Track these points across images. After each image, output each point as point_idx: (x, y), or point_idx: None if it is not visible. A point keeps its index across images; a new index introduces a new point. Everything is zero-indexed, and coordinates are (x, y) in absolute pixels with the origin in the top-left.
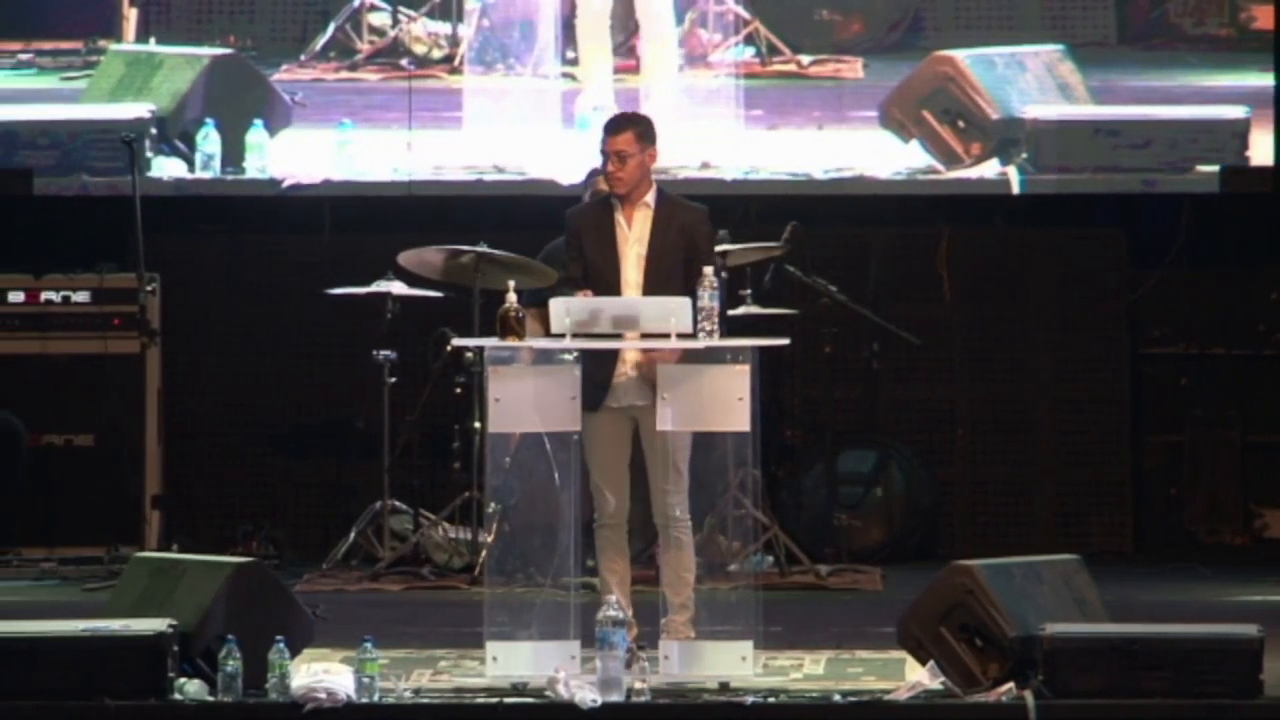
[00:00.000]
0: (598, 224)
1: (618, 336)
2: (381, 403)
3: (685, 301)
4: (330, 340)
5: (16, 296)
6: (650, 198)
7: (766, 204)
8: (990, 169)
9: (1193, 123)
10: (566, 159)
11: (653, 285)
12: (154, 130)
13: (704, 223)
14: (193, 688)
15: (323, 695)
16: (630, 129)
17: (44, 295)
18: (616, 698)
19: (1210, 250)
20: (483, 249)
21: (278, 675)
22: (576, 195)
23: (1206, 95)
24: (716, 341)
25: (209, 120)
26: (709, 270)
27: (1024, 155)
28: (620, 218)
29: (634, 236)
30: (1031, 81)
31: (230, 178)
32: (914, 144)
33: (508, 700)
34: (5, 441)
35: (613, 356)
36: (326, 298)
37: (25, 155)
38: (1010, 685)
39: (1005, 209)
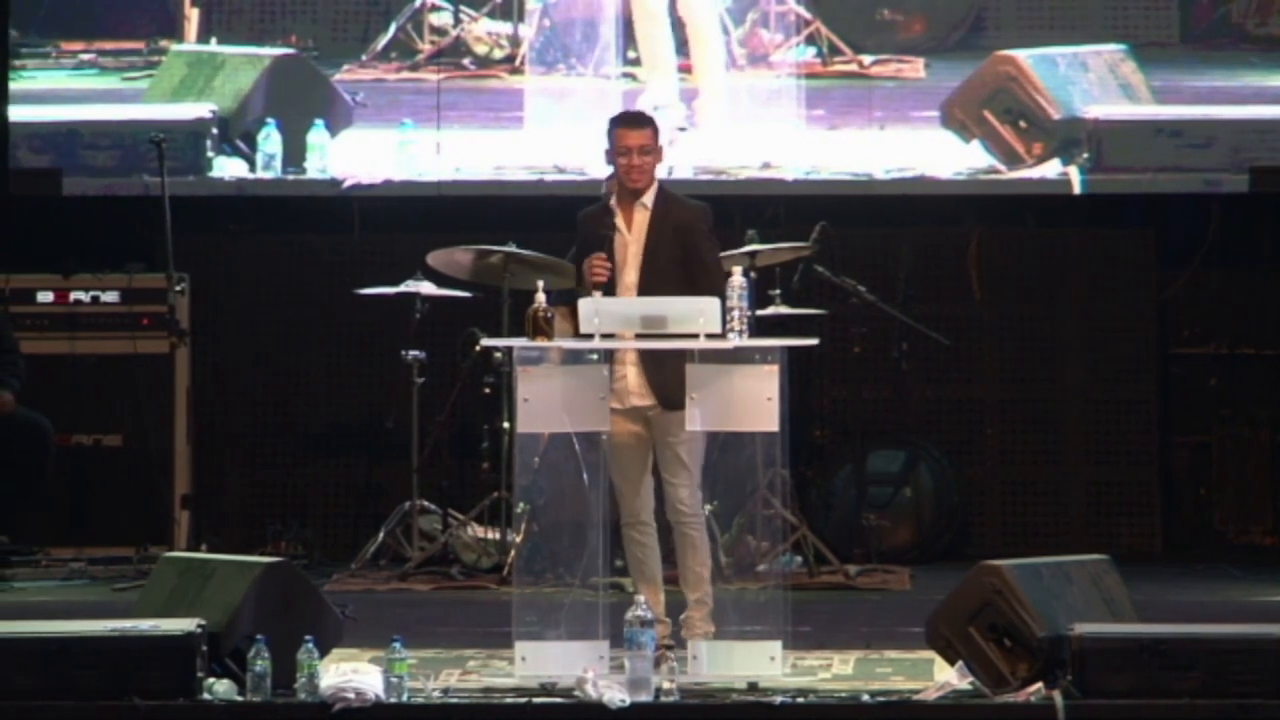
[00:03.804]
0: (602, 225)
1: (646, 337)
2: (410, 403)
3: (714, 301)
4: (359, 340)
5: (45, 297)
6: (649, 198)
7: (796, 203)
8: (1052, 169)
9: (1255, 123)
10: None
11: (648, 285)
12: (215, 130)
13: (701, 220)
14: (222, 687)
15: (351, 695)
16: (650, 126)
17: (73, 295)
18: (645, 698)
19: (1240, 250)
20: (511, 249)
21: (306, 675)
22: None
23: (1269, 95)
24: (745, 342)
25: (270, 120)
26: (737, 270)
27: (1085, 155)
28: (620, 220)
29: (632, 237)
30: (1094, 81)
31: (291, 178)
32: (975, 144)
33: (536, 700)
34: (32, 440)
35: (610, 358)
36: (356, 298)
37: (87, 155)
38: (1039, 685)
39: (1036, 209)
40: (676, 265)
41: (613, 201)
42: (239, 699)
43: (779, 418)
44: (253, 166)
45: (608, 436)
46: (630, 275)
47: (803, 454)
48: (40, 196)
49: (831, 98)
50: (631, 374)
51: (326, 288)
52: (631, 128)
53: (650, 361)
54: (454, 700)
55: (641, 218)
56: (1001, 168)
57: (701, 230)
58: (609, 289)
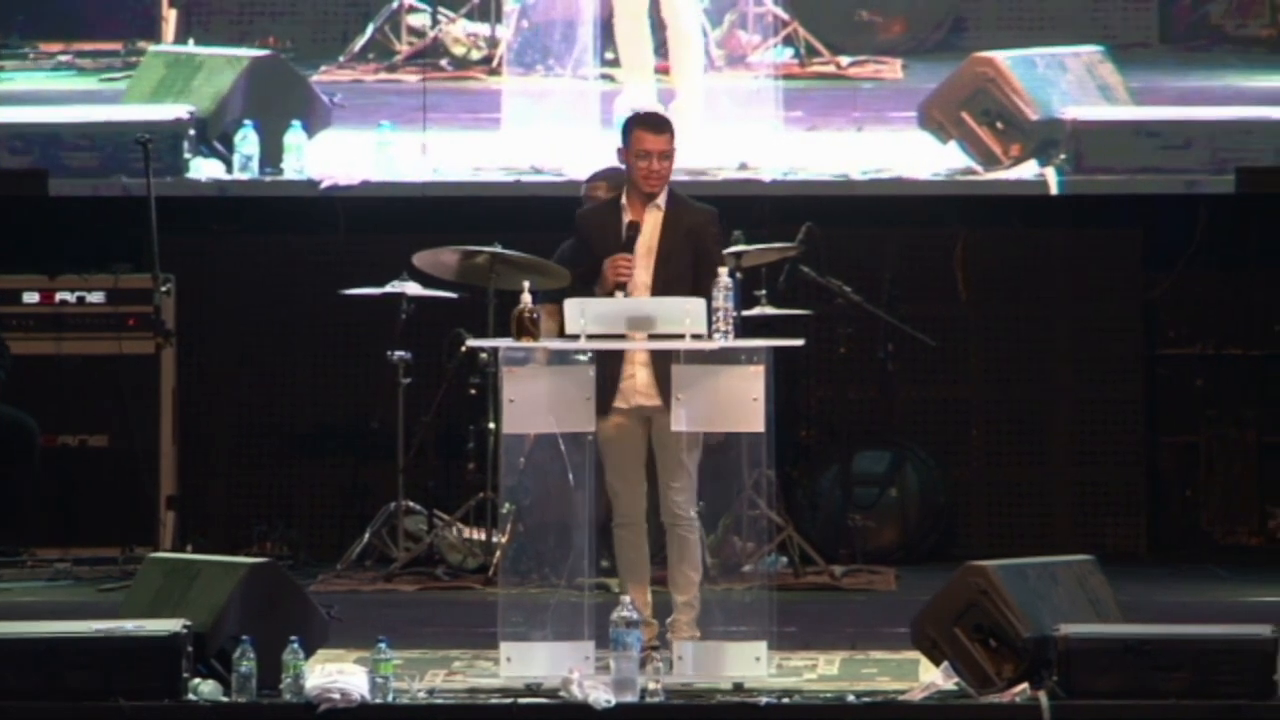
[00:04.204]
0: (608, 225)
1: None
2: (396, 403)
3: (700, 302)
4: (345, 341)
5: (31, 297)
6: (662, 199)
7: (782, 204)
8: (1029, 170)
9: (1234, 124)
10: (605, 160)
11: (662, 286)
12: (193, 131)
13: (712, 224)
14: (207, 688)
15: (337, 696)
16: (670, 130)
17: (59, 296)
18: (630, 698)
19: (1226, 251)
20: (497, 250)
21: (292, 676)
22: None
23: (1248, 96)
24: (731, 342)
25: (248, 121)
26: (723, 271)
27: (1063, 156)
28: (630, 219)
29: (643, 237)
30: (1072, 82)
31: (269, 179)
32: (953, 145)
33: (522, 700)
34: (17, 440)
35: (619, 358)
36: (341, 298)
37: (65, 157)
38: (1024, 686)
39: (1022, 209)
40: (688, 267)
41: (623, 200)
42: (224, 699)
43: (765, 418)
44: (230, 167)
45: (611, 435)
46: (643, 275)
47: (788, 454)
48: (25, 197)
49: (809, 99)
50: (641, 374)
51: (312, 288)
52: (654, 131)
53: (661, 363)
54: (439, 701)
55: (654, 218)
56: (979, 169)
57: (713, 234)
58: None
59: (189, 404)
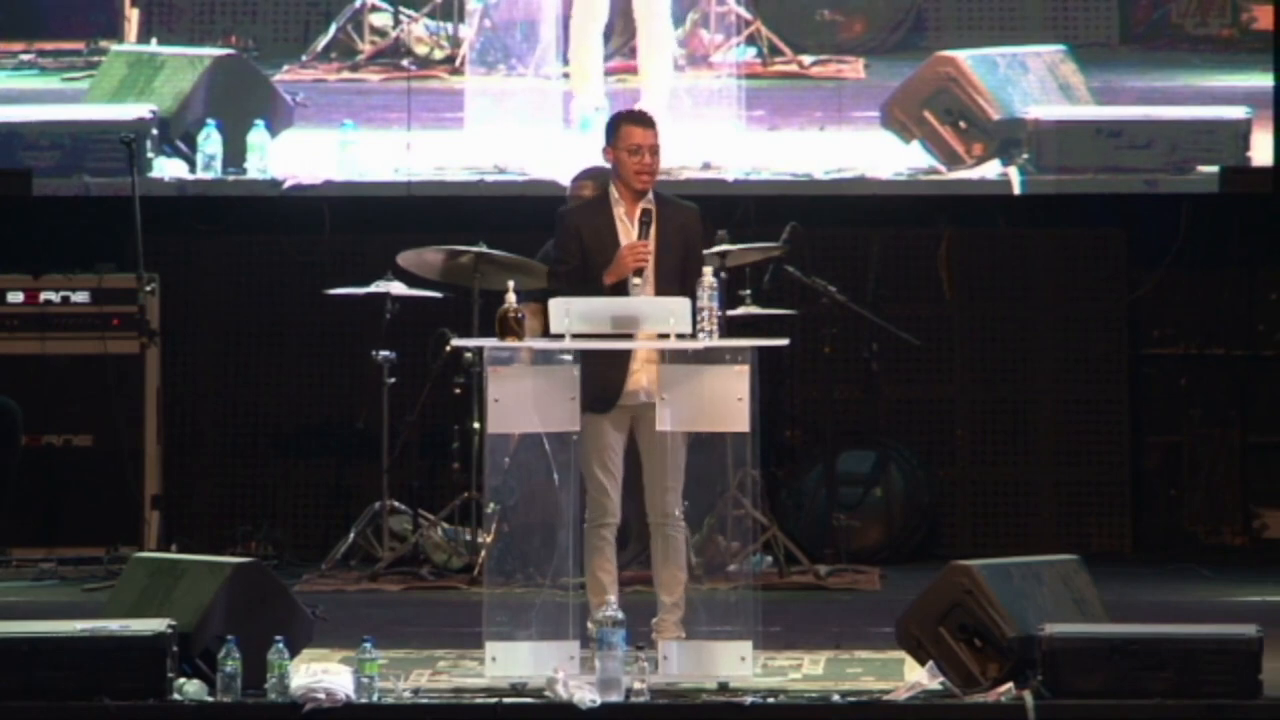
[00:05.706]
0: (598, 222)
1: (621, 337)
2: (381, 403)
3: (685, 301)
4: (329, 340)
5: (16, 297)
6: (650, 196)
7: (766, 204)
8: (992, 169)
9: (1194, 123)
10: (568, 160)
11: (661, 280)
12: (155, 131)
13: (699, 222)
14: (192, 688)
15: (322, 695)
16: (655, 125)
17: (43, 295)
18: (615, 698)
19: (1210, 251)
20: (482, 249)
21: (277, 675)
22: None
23: (1208, 96)
24: (716, 342)
25: (210, 121)
26: (708, 271)
27: (1025, 156)
28: (621, 214)
29: (636, 234)
30: (1033, 82)
31: (232, 178)
32: (915, 144)
33: (506, 700)
34: (1, 425)
35: (625, 356)
36: (326, 298)
37: (27, 156)
38: (1009, 685)
39: (1005, 209)
40: (679, 263)
41: (613, 196)
42: (209, 699)
43: (750, 418)
44: (193, 167)
45: (609, 432)
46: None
47: (773, 454)
48: (10, 196)
49: (772, 98)
50: (649, 371)
51: (297, 288)
52: (643, 125)
53: None
54: (424, 700)
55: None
56: (941, 168)
57: (699, 232)
58: (619, 289)
59: (174, 404)
